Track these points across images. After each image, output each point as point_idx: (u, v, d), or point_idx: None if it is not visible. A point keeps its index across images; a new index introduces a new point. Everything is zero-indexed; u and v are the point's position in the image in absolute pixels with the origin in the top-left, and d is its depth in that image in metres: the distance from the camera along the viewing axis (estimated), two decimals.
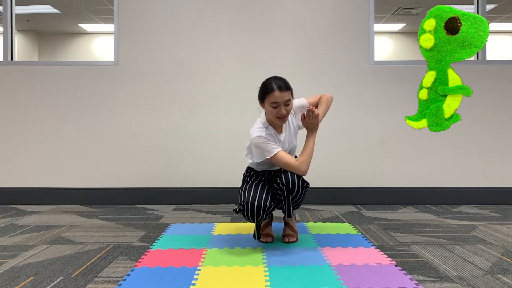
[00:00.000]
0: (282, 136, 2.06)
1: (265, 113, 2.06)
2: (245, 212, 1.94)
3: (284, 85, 1.94)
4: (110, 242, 2.17)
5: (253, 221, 1.98)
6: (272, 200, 1.98)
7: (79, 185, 3.26)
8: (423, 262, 1.83)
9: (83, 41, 8.34)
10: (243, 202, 1.95)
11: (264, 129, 2.00)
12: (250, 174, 2.17)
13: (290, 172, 1.95)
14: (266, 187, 2.04)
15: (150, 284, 1.58)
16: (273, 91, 1.91)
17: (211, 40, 3.27)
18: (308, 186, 2.06)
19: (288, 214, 2.10)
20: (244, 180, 2.18)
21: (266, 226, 2.21)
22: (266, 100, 1.95)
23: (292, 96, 2.01)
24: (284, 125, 2.07)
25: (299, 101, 2.12)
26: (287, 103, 1.94)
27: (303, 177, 2.02)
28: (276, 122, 2.00)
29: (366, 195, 3.25)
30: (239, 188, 2.17)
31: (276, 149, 1.94)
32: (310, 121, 2.01)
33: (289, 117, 2.09)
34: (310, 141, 2.02)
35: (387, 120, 3.24)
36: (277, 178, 1.98)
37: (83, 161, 3.27)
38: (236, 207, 2.00)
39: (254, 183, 2.08)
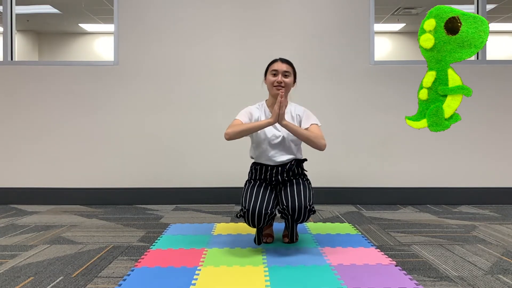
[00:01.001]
0: None
1: (265, 101, 2.14)
2: (246, 219, 1.91)
3: (286, 61, 2.09)
4: (110, 242, 2.17)
5: (255, 227, 1.94)
6: (273, 206, 1.93)
7: (79, 185, 3.26)
8: (423, 262, 1.83)
9: (83, 41, 8.34)
10: (244, 209, 1.91)
11: (257, 105, 2.14)
12: (252, 170, 2.13)
13: (298, 199, 1.90)
14: (268, 192, 1.99)
15: (150, 284, 1.58)
16: (275, 62, 2.08)
17: (211, 40, 3.27)
18: (314, 213, 1.97)
19: (291, 239, 2.07)
20: (247, 180, 2.14)
21: (267, 226, 2.20)
22: (268, 71, 2.08)
23: (295, 78, 2.09)
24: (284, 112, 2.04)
25: (307, 113, 2.08)
26: (286, 74, 2.04)
27: (311, 204, 1.94)
28: (274, 93, 2.05)
29: (366, 195, 3.25)
30: (239, 187, 2.16)
31: (239, 116, 2.04)
32: (275, 108, 1.89)
33: (293, 110, 2.07)
34: (262, 121, 1.94)
35: (387, 120, 3.24)
36: (284, 201, 1.92)
37: (83, 161, 3.27)
38: (238, 212, 1.97)
39: (256, 185, 2.03)
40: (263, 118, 2.07)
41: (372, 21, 3.26)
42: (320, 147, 1.96)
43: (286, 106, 1.92)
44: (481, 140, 3.26)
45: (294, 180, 2.04)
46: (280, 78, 2.02)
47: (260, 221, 1.88)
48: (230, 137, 1.94)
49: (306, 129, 2.01)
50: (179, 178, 3.27)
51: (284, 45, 3.25)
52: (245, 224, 2.51)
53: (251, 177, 2.14)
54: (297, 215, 1.90)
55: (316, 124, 2.05)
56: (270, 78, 2.05)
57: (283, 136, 2.03)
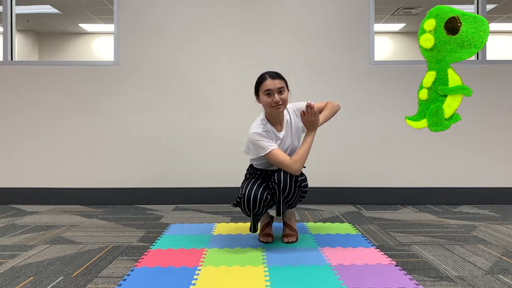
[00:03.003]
0: (281, 134, 2.05)
1: (264, 112, 2.07)
2: (242, 204, 1.97)
3: (275, 74, 1.98)
4: (110, 242, 2.17)
5: (250, 213, 1.99)
6: (268, 194, 1.98)
7: (79, 185, 3.26)
8: (423, 262, 1.83)
9: (83, 41, 8.34)
10: (241, 194, 1.98)
11: (261, 125, 2.00)
12: (251, 172, 2.18)
13: (284, 172, 1.93)
14: (264, 184, 2.04)
15: (150, 284, 1.58)
16: (265, 80, 1.96)
17: (211, 40, 3.27)
18: (305, 188, 2.01)
19: (278, 213, 2.04)
20: (245, 177, 2.20)
21: (266, 226, 2.21)
22: (260, 91, 1.98)
23: (287, 87, 2.01)
24: (284, 124, 2.07)
25: (304, 103, 2.08)
26: (281, 90, 1.95)
27: (303, 178, 2.01)
28: (272, 112, 1.99)
29: (366, 195, 3.25)
30: (239, 188, 2.16)
31: (271, 147, 1.93)
32: (309, 118, 1.96)
33: (291, 116, 2.09)
34: (307, 140, 1.97)
35: (387, 120, 3.24)
36: (272, 176, 1.99)
37: (83, 161, 3.27)
38: (234, 200, 2.02)
39: (253, 179, 2.09)
40: (273, 141, 2.01)
41: (372, 21, 3.26)
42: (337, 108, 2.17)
43: (315, 110, 1.94)
44: (481, 140, 3.26)
45: None
46: (277, 97, 1.93)
47: (255, 206, 1.94)
48: (301, 169, 1.94)
49: (320, 111, 2.10)
50: (179, 178, 3.27)
51: (284, 45, 3.25)
52: (245, 224, 2.53)
53: (250, 176, 2.18)
54: (283, 185, 1.91)
55: (308, 102, 2.00)
56: (265, 99, 1.95)
57: (288, 150, 2.08)
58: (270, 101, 1.94)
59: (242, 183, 2.11)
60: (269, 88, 1.94)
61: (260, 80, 1.99)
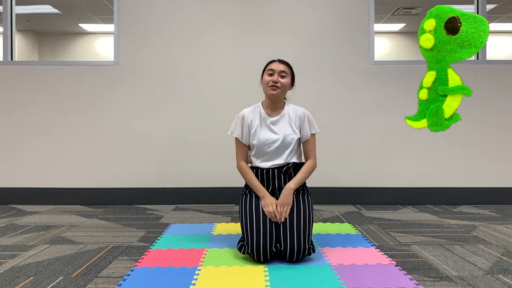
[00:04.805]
0: (270, 121, 2.01)
1: (261, 103, 2.08)
2: (252, 256, 1.82)
3: (284, 61, 2.04)
4: (110, 242, 2.17)
5: (262, 262, 1.83)
6: (277, 241, 1.84)
7: (79, 185, 3.26)
8: (423, 262, 1.83)
9: (83, 41, 8.33)
10: (249, 246, 1.82)
11: (252, 108, 2.08)
12: (249, 189, 2.04)
13: (297, 240, 1.80)
14: (268, 221, 1.85)
15: (150, 284, 1.58)
16: (273, 62, 2.04)
17: (211, 40, 3.27)
18: (314, 251, 1.88)
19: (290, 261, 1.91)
20: (242, 196, 2.04)
21: None
22: (265, 71, 2.03)
23: (292, 80, 2.05)
24: (280, 114, 2.02)
25: (307, 113, 2.06)
26: (283, 74, 1.99)
27: (309, 241, 1.85)
28: (268, 94, 1.99)
29: (366, 195, 3.25)
30: (239, 187, 2.16)
31: (236, 132, 2.05)
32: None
33: (291, 114, 2.02)
34: (261, 187, 1.96)
35: (387, 120, 3.24)
36: (282, 240, 1.82)
37: (83, 161, 3.27)
38: (240, 246, 1.88)
39: (254, 207, 1.90)
40: (256, 122, 2.02)
41: (372, 21, 3.26)
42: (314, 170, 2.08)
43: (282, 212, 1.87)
44: (481, 140, 3.26)
45: (294, 200, 1.92)
46: (276, 78, 1.96)
47: (266, 258, 1.81)
48: (239, 171, 2.06)
49: (306, 141, 2.05)
50: (179, 178, 3.27)
51: (284, 44, 3.25)
52: None
53: (246, 191, 2.05)
54: (295, 258, 1.81)
55: (315, 133, 2.07)
56: (266, 77, 1.99)
57: (280, 141, 1.98)
58: (269, 79, 1.99)
59: (242, 206, 1.95)
60: (272, 68, 2.00)
61: (269, 62, 2.06)
